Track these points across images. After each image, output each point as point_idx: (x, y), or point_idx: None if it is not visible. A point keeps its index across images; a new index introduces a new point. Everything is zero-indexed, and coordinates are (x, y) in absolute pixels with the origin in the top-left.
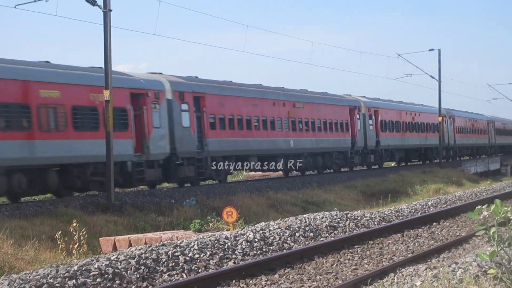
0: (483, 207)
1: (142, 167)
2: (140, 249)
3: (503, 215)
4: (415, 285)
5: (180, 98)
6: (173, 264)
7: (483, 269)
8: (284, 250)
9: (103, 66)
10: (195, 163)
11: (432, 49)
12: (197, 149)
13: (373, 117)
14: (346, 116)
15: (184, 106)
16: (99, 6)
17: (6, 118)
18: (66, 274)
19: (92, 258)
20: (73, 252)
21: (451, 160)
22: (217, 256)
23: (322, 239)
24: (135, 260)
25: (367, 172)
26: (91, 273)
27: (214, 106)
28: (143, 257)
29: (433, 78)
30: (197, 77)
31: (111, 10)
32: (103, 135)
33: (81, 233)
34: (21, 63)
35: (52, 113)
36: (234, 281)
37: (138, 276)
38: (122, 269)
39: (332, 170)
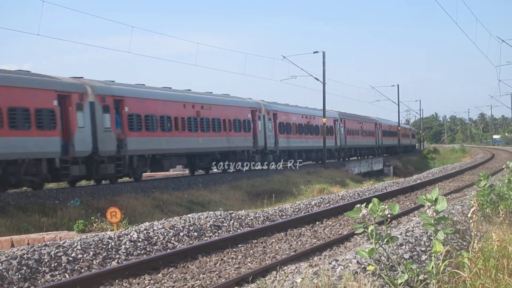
0: (362, 205)
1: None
2: (22, 250)
3: (381, 213)
4: (296, 282)
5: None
6: (56, 264)
7: (362, 266)
8: (168, 250)
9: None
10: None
11: (317, 51)
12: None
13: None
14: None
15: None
16: None
17: None
18: None
19: None
20: None
21: (341, 160)
22: (101, 256)
23: (206, 238)
24: (16, 260)
25: (253, 173)
26: None
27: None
28: (25, 258)
29: (317, 80)
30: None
31: None
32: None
33: None
34: None
35: None
36: (117, 281)
37: (19, 276)
38: (3, 270)
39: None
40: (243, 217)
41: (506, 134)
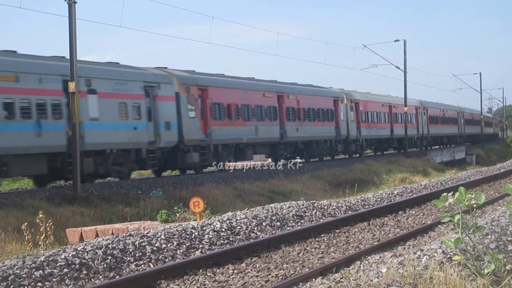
0: (449, 194)
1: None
2: (107, 240)
3: (467, 202)
4: (381, 272)
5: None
6: (140, 254)
7: (448, 256)
8: (251, 239)
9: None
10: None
11: (398, 40)
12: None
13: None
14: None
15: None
16: None
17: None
18: (33, 265)
19: (59, 249)
20: (40, 243)
21: (423, 149)
22: (184, 246)
23: (288, 228)
24: (102, 250)
25: (334, 162)
26: (58, 264)
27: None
28: (110, 248)
29: (398, 68)
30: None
31: (75, 2)
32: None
33: (47, 224)
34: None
35: None
36: (201, 270)
37: (105, 266)
38: (89, 259)
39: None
40: (325, 207)
41: None
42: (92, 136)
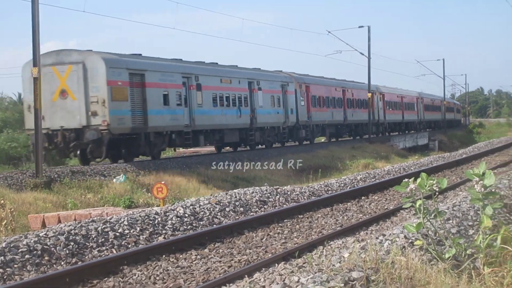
0: (410, 180)
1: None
2: (69, 226)
3: (429, 188)
4: (343, 256)
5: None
6: (103, 240)
7: (410, 241)
8: (214, 225)
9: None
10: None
11: (362, 26)
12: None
13: (305, 93)
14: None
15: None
16: None
17: None
18: None
19: (21, 235)
20: (1, 229)
21: (380, 135)
22: (147, 232)
23: (252, 213)
24: (64, 236)
25: (298, 148)
26: (20, 250)
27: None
28: (73, 233)
29: (362, 54)
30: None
31: None
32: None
33: (9, 210)
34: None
35: None
36: (164, 256)
37: (67, 252)
38: (51, 245)
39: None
40: (288, 192)
41: None
42: (260, 117)
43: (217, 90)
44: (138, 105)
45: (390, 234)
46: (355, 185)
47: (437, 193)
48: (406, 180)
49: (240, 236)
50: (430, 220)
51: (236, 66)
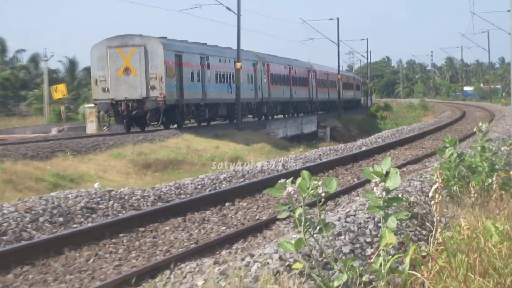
0: (288, 181)
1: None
2: None
3: (313, 191)
4: (196, 285)
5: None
6: None
7: (287, 263)
8: (23, 241)
9: None
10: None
11: None
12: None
13: (266, 71)
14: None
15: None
16: None
17: None
18: None
19: None
20: None
21: (262, 119)
22: None
23: (75, 225)
24: None
25: (141, 136)
26: None
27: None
28: None
29: (229, 10)
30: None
31: None
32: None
33: None
34: None
35: None
36: None
37: None
38: None
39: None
40: (126, 197)
41: (482, 85)
42: (243, 93)
43: (218, 68)
44: (178, 81)
45: (260, 254)
46: (217, 187)
47: (323, 199)
48: (282, 181)
49: (59, 257)
50: (315, 235)
51: (228, 47)
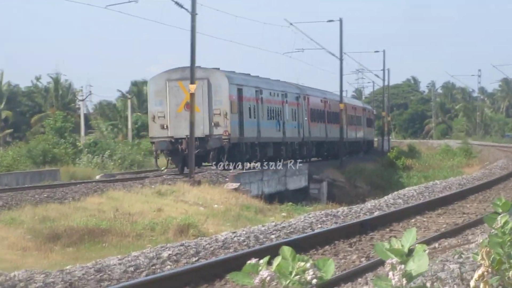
0: (262, 261)
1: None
2: None
3: (298, 277)
4: None
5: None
6: None
7: None
8: None
9: None
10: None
11: None
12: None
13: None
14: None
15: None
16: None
17: None
18: None
19: None
20: None
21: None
22: None
23: None
24: None
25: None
26: None
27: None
28: None
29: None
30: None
31: None
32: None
33: None
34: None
35: None
36: None
37: None
38: None
39: None
40: (21, 285)
41: None
42: (288, 131)
43: (269, 103)
44: (239, 118)
45: None
46: (158, 270)
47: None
48: (253, 261)
49: None
50: None
51: (277, 80)
